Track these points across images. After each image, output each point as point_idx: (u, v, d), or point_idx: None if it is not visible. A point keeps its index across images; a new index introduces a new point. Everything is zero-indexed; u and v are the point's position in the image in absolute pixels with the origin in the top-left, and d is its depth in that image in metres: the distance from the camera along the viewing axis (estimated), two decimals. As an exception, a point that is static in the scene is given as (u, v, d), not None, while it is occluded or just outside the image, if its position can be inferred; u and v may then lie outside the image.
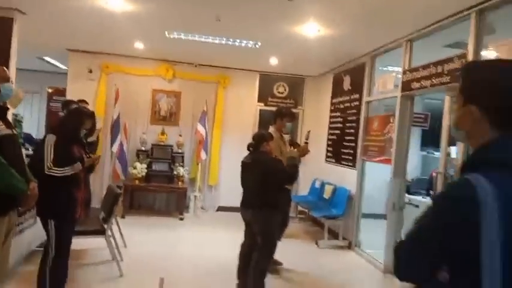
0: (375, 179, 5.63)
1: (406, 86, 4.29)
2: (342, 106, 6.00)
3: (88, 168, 3.31)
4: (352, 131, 5.59)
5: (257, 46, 5.24)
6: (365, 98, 5.29)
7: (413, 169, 7.19)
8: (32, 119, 8.85)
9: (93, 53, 6.47)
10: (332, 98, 6.43)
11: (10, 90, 2.20)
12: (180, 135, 6.70)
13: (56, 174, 2.77)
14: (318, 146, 6.75)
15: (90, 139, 4.07)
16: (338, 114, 6.13)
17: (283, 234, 5.24)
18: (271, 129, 4.08)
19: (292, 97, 7.36)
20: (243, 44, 5.19)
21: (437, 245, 0.99)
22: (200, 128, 6.48)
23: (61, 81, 7.26)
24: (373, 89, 5.19)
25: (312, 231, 6.15)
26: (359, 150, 5.32)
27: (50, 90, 8.93)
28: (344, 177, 5.70)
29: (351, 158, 5.57)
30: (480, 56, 3.27)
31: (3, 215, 2.16)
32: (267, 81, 7.24)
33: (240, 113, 7.01)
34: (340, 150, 5.92)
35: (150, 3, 3.97)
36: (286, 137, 4.75)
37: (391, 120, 4.59)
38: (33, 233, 3.63)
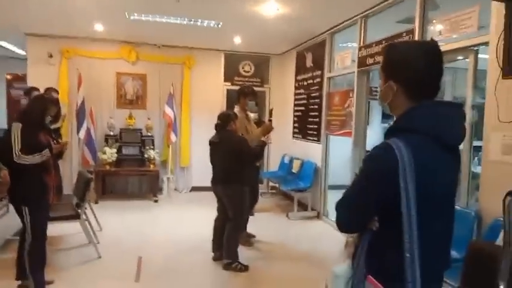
0: (340, 153, 5.92)
1: (362, 61, 4.52)
2: (305, 83, 6.20)
3: (57, 155, 3.36)
4: (315, 107, 5.82)
5: (219, 26, 5.29)
6: (326, 74, 5.51)
7: (375, 141, 7.58)
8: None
9: (52, 36, 6.27)
10: (296, 75, 6.61)
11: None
12: (149, 119, 6.71)
13: (25, 162, 2.81)
14: (285, 122, 6.98)
15: (55, 125, 4.06)
16: (302, 91, 6.33)
17: (254, 209, 5.51)
18: (236, 109, 4.22)
19: (258, 75, 7.48)
20: (204, 24, 5.23)
21: (367, 199, 1.20)
22: (168, 110, 6.52)
23: (21, 67, 7.00)
24: (333, 66, 5.41)
25: (283, 204, 6.44)
26: (323, 125, 5.57)
27: (8, 77, 8.58)
28: (310, 151, 5.97)
29: (315, 133, 5.82)
30: (426, 31, 3.52)
31: (-23, 203, 2.22)
32: (232, 61, 7.30)
33: (207, 93, 7.08)
34: (306, 126, 6.16)
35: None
36: (253, 116, 4.90)
37: (351, 95, 4.83)
38: (7, 222, 3.65)
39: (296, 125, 6.61)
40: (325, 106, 5.52)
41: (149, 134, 6.66)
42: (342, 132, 5.10)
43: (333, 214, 5.30)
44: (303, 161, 6.08)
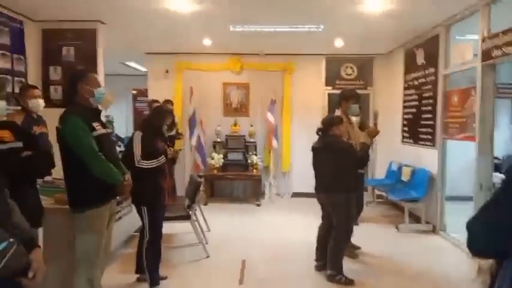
0: (459, 159, 5.27)
1: (486, 54, 3.91)
2: (416, 82, 5.67)
3: (171, 160, 3.66)
4: (429, 108, 5.27)
5: (320, 29, 5.18)
6: (441, 72, 4.94)
7: (502, 146, 6.56)
8: (121, 119, 9.83)
9: (167, 54, 6.96)
10: (405, 74, 6.09)
11: (102, 94, 2.53)
12: (252, 125, 6.94)
13: (144, 166, 3.12)
14: (393, 126, 6.49)
15: (170, 133, 4.45)
16: (413, 91, 5.80)
17: (359, 218, 5.21)
18: (338, 113, 4.05)
19: (361, 78, 7.14)
20: (306, 29, 5.18)
21: (509, 218, 0.97)
22: (269, 116, 6.65)
23: (143, 83, 7.92)
24: (449, 61, 4.82)
25: (390, 215, 5.97)
26: (438, 128, 5.00)
27: (134, 92, 9.87)
28: (423, 157, 5.41)
29: (429, 137, 5.26)
30: None
31: (105, 203, 2.52)
32: (333, 64, 7.11)
33: (308, 98, 7.01)
34: (417, 129, 5.62)
35: (213, 2, 4.16)
36: (356, 119, 4.66)
37: (473, 93, 4.23)
38: (130, 220, 4.10)
39: (406, 128, 6.08)
40: (441, 107, 4.94)
41: (252, 140, 6.88)
42: (462, 136, 4.49)
43: (452, 229, 4.79)
44: (414, 168, 5.55)
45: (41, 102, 3.67)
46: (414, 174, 5.47)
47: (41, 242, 2.92)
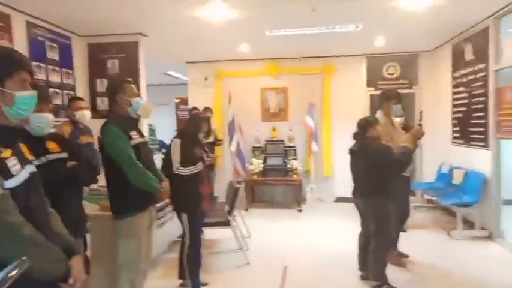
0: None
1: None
2: (465, 79, 5.31)
3: (209, 167, 3.69)
4: (480, 106, 4.91)
5: (358, 29, 5.02)
6: (492, 67, 4.58)
7: None
8: (165, 127, 10.15)
9: (206, 62, 7.09)
10: (453, 71, 5.73)
11: (139, 104, 2.60)
12: (290, 130, 6.86)
13: (182, 173, 3.16)
14: (441, 126, 6.14)
15: (207, 140, 4.49)
16: (462, 88, 5.44)
17: (406, 224, 4.95)
18: (379, 114, 3.87)
19: (405, 77, 6.83)
20: (343, 29, 5.03)
21: None
22: (309, 120, 6.54)
23: (185, 91, 8.13)
24: (501, 56, 4.47)
25: (442, 220, 5.62)
26: (491, 128, 4.64)
27: (177, 100, 10.18)
28: (475, 159, 5.05)
29: (482, 137, 4.89)
30: None
31: (145, 210, 2.58)
32: (375, 64, 6.86)
33: (349, 100, 6.80)
34: (468, 129, 5.25)
35: (248, 9, 4.18)
36: (399, 120, 4.44)
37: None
38: (172, 226, 4.18)
39: (456, 128, 5.71)
40: (493, 105, 4.59)
41: (291, 144, 6.80)
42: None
43: (511, 235, 4.39)
44: (466, 170, 5.19)
45: (87, 113, 3.87)
46: (466, 176, 5.11)
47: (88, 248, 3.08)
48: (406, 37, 5.66)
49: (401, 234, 4.52)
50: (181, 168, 3.16)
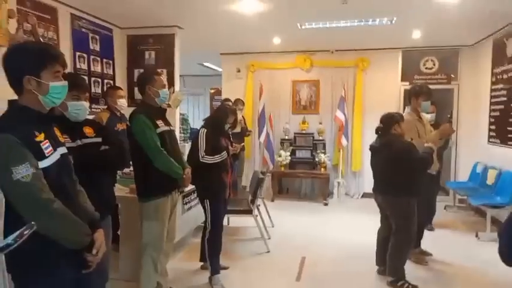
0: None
1: None
2: (505, 76, 5.06)
3: (233, 156, 3.83)
4: (519, 104, 4.68)
5: (393, 22, 4.92)
6: (535, 63, 4.36)
7: None
8: (200, 117, 10.47)
9: (239, 53, 7.21)
10: (493, 67, 5.48)
11: (166, 94, 2.78)
12: (320, 123, 6.86)
13: (207, 162, 3.32)
14: (479, 124, 5.90)
15: (234, 131, 4.64)
16: (501, 86, 5.19)
17: (432, 223, 4.87)
18: (407, 110, 3.82)
19: (443, 72, 6.59)
20: (376, 23, 4.96)
21: None
22: (339, 114, 6.51)
23: (220, 82, 8.33)
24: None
25: (472, 221, 5.45)
26: (530, 127, 4.43)
27: (211, 91, 10.43)
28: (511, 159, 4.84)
29: (519, 136, 4.68)
30: None
31: (168, 194, 2.77)
32: (411, 58, 6.68)
33: (382, 95, 6.68)
34: (506, 128, 5.02)
35: (280, 2, 4.23)
36: (429, 117, 4.36)
37: None
38: (198, 211, 4.38)
39: (493, 127, 5.47)
40: (534, 103, 4.37)
41: (321, 138, 6.80)
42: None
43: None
44: (500, 170, 4.99)
45: (124, 101, 4.13)
46: (500, 177, 4.92)
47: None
48: (445, 30, 5.46)
49: (428, 232, 4.47)
50: (206, 156, 3.30)
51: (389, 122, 3.32)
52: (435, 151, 3.37)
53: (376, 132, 3.44)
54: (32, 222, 0.60)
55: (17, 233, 0.59)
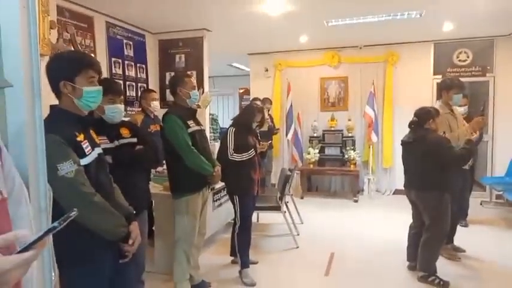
0: None
1: None
2: (544, 66, 4.84)
3: (261, 154, 3.92)
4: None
5: (422, 15, 4.83)
6: None
7: None
8: (230, 116, 10.65)
9: (267, 53, 7.30)
10: (531, 57, 5.25)
11: (196, 95, 2.92)
12: (349, 120, 6.82)
13: (236, 159, 3.43)
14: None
15: (261, 129, 4.73)
16: (540, 76, 4.97)
17: (467, 219, 4.76)
18: (438, 104, 3.76)
19: (477, 64, 6.37)
20: (405, 17, 4.88)
21: None
22: (369, 110, 6.44)
23: (248, 82, 8.47)
24: None
25: (509, 217, 5.25)
26: None
27: (240, 91, 10.59)
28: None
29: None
30: None
31: (199, 190, 2.91)
32: (443, 51, 6.49)
33: (413, 89, 6.54)
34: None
35: (306, 0, 4.27)
36: (462, 110, 4.26)
37: None
38: (228, 208, 4.52)
39: (532, 120, 5.25)
40: None
41: (350, 134, 6.77)
42: None
43: None
44: (539, 165, 4.79)
45: (157, 104, 4.32)
46: (539, 172, 4.72)
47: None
48: (479, 21, 5.27)
49: (462, 229, 4.38)
50: (235, 154, 3.41)
51: (424, 117, 3.28)
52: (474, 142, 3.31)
53: (410, 126, 3.40)
54: (74, 209, 0.71)
55: (62, 218, 0.71)
